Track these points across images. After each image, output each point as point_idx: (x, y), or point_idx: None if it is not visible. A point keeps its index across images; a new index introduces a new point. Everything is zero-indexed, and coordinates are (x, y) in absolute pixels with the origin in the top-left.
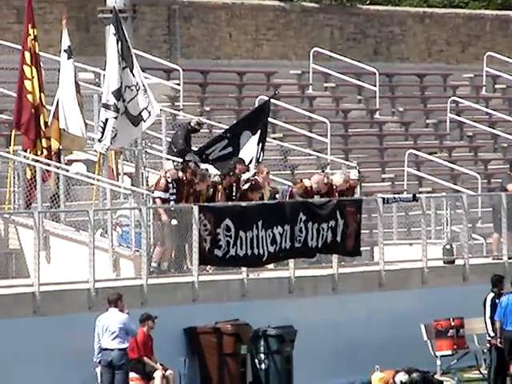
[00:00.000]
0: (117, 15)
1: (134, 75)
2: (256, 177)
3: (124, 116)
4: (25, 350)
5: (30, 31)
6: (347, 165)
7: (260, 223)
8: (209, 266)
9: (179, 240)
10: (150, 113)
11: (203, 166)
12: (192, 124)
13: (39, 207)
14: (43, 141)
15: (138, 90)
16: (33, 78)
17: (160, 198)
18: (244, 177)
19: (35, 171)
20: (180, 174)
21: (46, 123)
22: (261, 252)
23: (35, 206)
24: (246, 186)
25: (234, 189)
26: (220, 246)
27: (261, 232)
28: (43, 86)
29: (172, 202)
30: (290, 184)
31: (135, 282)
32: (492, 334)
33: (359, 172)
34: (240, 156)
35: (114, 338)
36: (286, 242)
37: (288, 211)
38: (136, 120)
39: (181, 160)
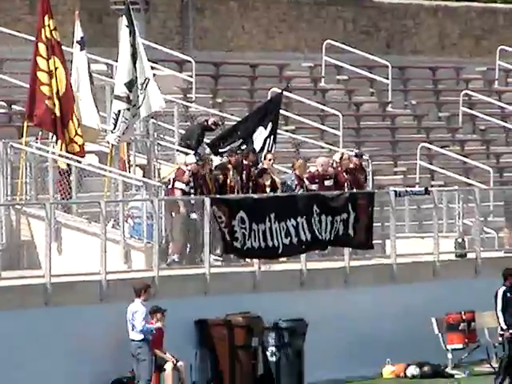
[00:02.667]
0: (129, 7)
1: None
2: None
3: (137, 108)
4: (36, 341)
5: (49, 22)
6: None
7: (273, 216)
8: (218, 258)
9: (195, 233)
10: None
11: (214, 158)
12: (209, 122)
13: (51, 198)
14: (77, 138)
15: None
16: (56, 68)
17: (182, 189)
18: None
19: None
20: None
21: (78, 121)
22: (275, 244)
23: (47, 197)
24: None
25: (245, 175)
26: (237, 239)
27: (274, 224)
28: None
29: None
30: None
31: (146, 273)
32: (504, 327)
33: (357, 150)
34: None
35: (132, 329)
36: (305, 234)
37: (301, 204)
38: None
39: (192, 152)
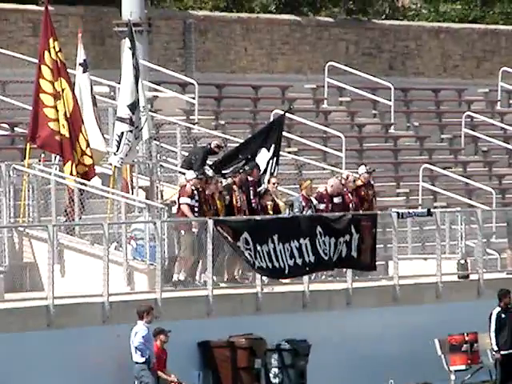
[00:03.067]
0: (131, 29)
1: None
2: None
3: (139, 130)
4: (39, 363)
5: (54, 44)
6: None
7: (276, 237)
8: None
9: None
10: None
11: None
12: (212, 145)
13: (53, 220)
14: (85, 158)
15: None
16: (63, 90)
17: (187, 204)
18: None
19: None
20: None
21: (87, 142)
22: (281, 266)
23: (50, 219)
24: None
25: (252, 192)
26: (246, 259)
27: (278, 246)
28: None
29: (196, 209)
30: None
31: (149, 295)
32: (496, 349)
33: (365, 166)
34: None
35: (135, 351)
36: (309, 256)
37: (304, 225)
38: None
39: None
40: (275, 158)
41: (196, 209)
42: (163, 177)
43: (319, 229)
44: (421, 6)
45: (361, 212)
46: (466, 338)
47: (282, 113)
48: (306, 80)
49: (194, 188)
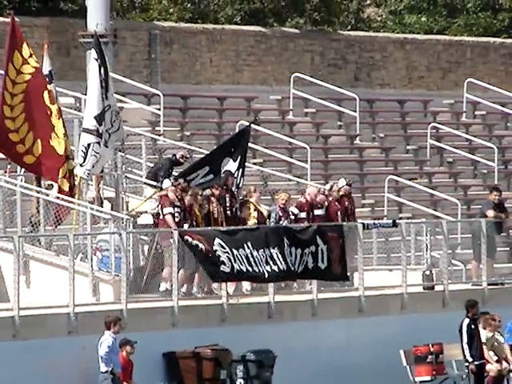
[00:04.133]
0: (98, 40)
1: (107, 98)
2: (248, 198)
3: (106, 141)
4: (4, 374)
5: (25, 52)
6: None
7: (249, 244)
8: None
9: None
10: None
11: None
12: (177, 156)
13: (19, 231)
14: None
15: (117, 114)
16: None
17: (170, 213)
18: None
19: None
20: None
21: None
22: (260, 270)
23: (15, 230)
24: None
25: (229, 198)
26: (223, 262)
27: (253, 252)
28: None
29: (177, 218)
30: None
31: (115, 306)
32: (470, 360)
33: (345, 178)
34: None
35: (100, 360)
36: (281, 264)
37: (271, 236)
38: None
39: (160, 185)
40: (241, 170)
41: (177, 218)
42: (128, 188)
43: (286, 240)
44: (386, 17)
45: (326, 224)
46: (432, 349)
47: (248, 124)
48: (272, 91)
49: (174, 196)
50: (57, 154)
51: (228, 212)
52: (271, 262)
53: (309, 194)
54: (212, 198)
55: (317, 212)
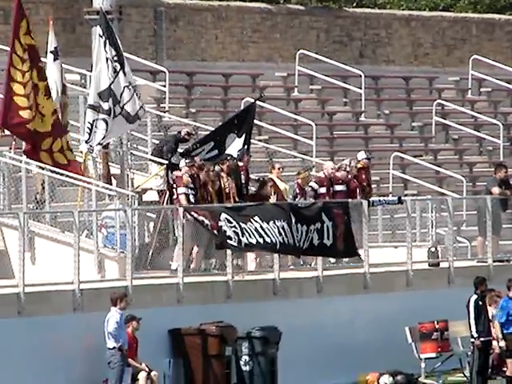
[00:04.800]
0: (105, 17)
1: (125, 74)
2: (269, 175)
3: (120, 117)
4: (9, 350)
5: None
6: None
7: (257, 218)
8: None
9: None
10: (144, 109)
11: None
12: (182, 134)
13: (24, 208)
14: (67, 153)
15: (134, 88)
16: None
17: (185, 194)
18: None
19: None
20: (193, 171)
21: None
22: (272, 240)
23: (20, 206)
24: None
25: (245, 178)
26: (230, 237)
27: (263, 224)
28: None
29: (191, 198)
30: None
31: (120, 283)
32: (475, 335)
33: (365, 152)
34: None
35: (108, 337)
36: (290, 238)
37: (278, 211)
38: (133, 119)
39: (166, 162)
40: (246, 146)
41: (192, 197)
42: (134, 165)
43: (292, 216)
44: None
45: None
46: (437, 326)
47: (253, 101)
48: (277, 68)
49: (189, 176)
50: (38, 133)
51: (244, 189)
52: (283, 233)
53: (325, 169)
54: (222, 174)
55: (338, 188)
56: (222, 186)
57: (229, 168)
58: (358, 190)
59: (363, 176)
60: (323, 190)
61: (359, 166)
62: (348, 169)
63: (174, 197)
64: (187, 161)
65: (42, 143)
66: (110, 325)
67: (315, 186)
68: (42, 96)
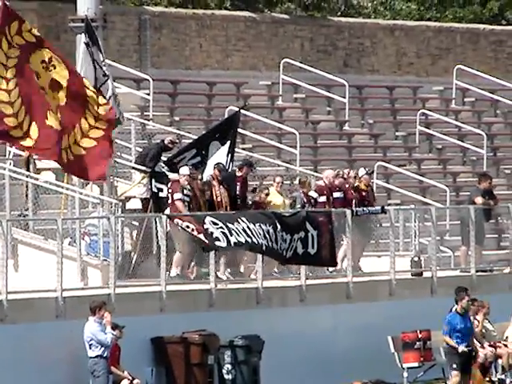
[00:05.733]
0: (90, 25)
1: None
2: (270, 188)
3: None
4: None
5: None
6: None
7: (244, 218)
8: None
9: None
10: (123, 117)
11: (172, 175)
12: (166, 142)
13: (7, 215)
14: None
15: (115, 96)
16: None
17: (181, 199)
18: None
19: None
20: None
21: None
22: (259, 242)
23: (4, 213)
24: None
25: (239, 188)
26: (218, 238)
27: (250, 224)
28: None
29: (186, 203)
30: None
31: (103, 291)
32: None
33: (365, 169)
34: (208, 165)
35: (89, 346)
36: (275, 244)
37: (264, 217)
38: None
39: (149, 170)
40: (230, 155)
41: (187, 204)
42: (117, 172)
43: (277, 223)
44: (377, 3)
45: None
46: (419, 336)
47: (237, 109)
48: (261, 77)
49: (187, 183)
50: (55, 130)
51: (238, 200)
52: (268, 237)
53: (326, 177)
54: (213, 182)
55: (335, 194)
56: (214, 194)
57: (221, 174)
58: (353, 203)
59: (363, 194)
60: (323, 198)
61: (359, 183)
62: (345, 176)
63: (170, 201)
64: (191, 171)
65: (61, 142)
66: (87, 334)
67: (314, 194)
68: (48, 90)
